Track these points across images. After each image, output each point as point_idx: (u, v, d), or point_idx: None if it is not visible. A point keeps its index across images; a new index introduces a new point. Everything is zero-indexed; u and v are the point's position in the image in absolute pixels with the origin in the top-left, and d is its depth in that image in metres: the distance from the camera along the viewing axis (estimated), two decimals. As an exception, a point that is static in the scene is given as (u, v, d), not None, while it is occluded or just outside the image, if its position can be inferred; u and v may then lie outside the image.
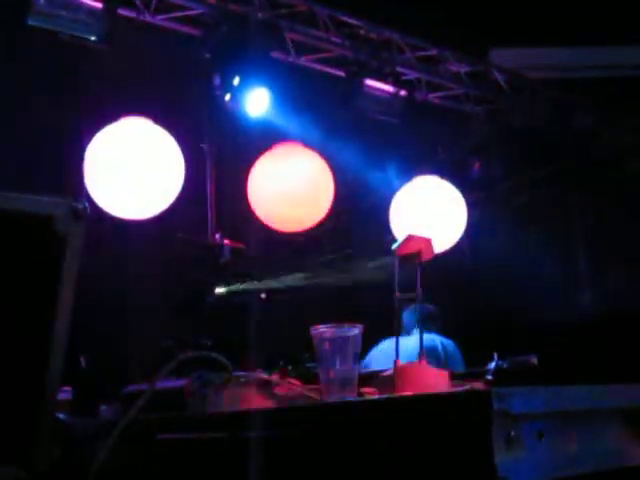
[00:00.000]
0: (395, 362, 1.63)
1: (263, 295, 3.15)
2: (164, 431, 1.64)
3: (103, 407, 1.99)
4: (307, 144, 4.64)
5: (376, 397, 1.51)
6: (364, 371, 1.63)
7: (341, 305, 4.77)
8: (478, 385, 1.85)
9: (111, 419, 1.83)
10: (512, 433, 1.17)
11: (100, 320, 4.06)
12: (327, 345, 1.55)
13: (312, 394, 1.64)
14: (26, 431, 1.31)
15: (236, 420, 1.53)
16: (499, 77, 5.65)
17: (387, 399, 1.41)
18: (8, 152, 4.09)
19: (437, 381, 1.65)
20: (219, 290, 3.60)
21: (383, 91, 5.05)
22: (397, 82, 5.11)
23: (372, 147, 5.13)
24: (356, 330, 1.57)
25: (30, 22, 3.96)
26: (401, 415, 1.28)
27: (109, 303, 4.18)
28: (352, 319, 1.60)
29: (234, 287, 3.48)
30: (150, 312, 4.13)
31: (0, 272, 1.26)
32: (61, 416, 1.78)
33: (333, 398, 1.53)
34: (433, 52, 5.39)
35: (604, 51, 5.96)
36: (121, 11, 4.27)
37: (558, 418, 1.29)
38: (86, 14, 4.05)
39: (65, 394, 1.93)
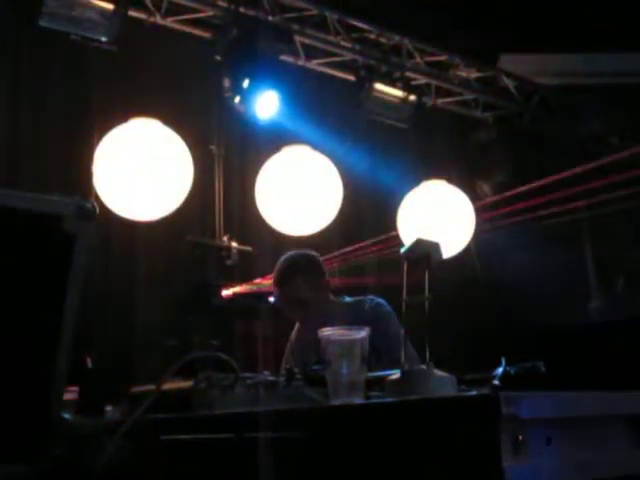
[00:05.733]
0: (402, 365, 1.62)
1: (271, 298, 3.14)
2: (169, 432, 1.64)
3: (108, 407, 1.99)
4: (316, 147, 4.64)
5: (383, 400, 1.50)
6: (371, 374, 1.62)
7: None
8: (485, 391, 1.83)
9: (117, 419, 1.82)
10: (520, 438, 1.16)
11: (106, 320, 4.06)
12: (334, 348, 1.54)
13: (319, 397, 1.63)
14: (32, 430, 1.31)
15: (242, 421, 1.52)
16: (508, 83, 5.64)
17: (394, 403, 1.40)
18: (19, 152, 4.10)
19: (444, 385, 1.64)
20: (227, 292, 3.60)
21: (392, 96, 5.05)
22: (406, 87, 5.10)
23: (380, 151, 5.13)
24: (363, 333, 1.56)
25: (41, 23, 3.97)
26: (408, 419, 1.27)
27: (116, 303, 4.19)
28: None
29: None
30: (156, 312, 4.13)
31: (9, 270, 1.26)
32: (67, 415, 1.78)
33: (340, 401, 1.52)
34: (443, 57, 5.39)
35: (613, 58, 5.95)
36: (132, 13, 4.29)
37: (566, 424, 1.28)
38: (97, 15, 4.06)
39: (71, 394, 1.93)
